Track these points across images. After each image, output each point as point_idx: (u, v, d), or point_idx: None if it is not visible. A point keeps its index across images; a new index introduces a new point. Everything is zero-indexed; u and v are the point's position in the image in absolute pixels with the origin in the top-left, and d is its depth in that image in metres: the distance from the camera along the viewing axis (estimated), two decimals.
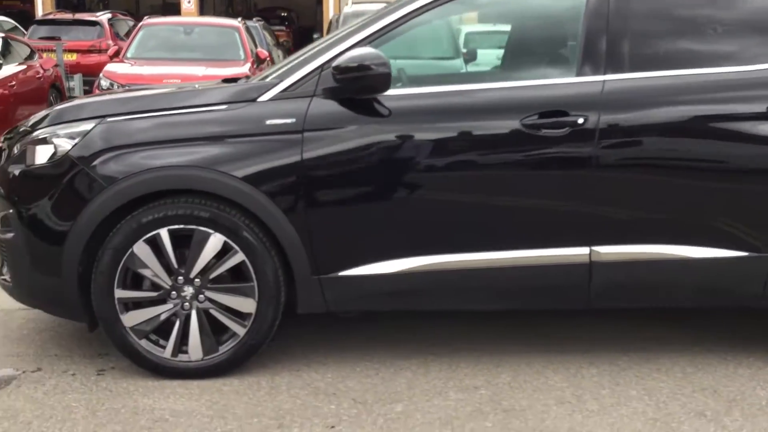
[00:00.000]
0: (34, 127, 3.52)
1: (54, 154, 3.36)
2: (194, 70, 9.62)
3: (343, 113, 3.29)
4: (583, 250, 3.34)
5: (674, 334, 3.82)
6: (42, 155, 3.40)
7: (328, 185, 3.31)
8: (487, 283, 3.38)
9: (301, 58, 3.49)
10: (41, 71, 10.96)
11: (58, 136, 3.38)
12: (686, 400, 3.19)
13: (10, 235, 3.43)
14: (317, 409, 3.14)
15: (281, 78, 3.40)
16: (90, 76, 13.23)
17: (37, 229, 3.37)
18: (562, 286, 3.39)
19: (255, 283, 3.33)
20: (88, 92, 12.31)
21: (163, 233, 3.29)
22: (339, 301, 3.44)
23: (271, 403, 3.19)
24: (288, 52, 14.01)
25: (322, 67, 3.34)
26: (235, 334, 3.39)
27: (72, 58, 14.57)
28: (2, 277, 3.65)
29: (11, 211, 3.42)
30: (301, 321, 3.61)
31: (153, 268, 3.31)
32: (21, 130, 3.65)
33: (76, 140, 3.33)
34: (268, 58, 11.34)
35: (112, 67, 10.18)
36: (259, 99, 3.34)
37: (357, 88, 3.24)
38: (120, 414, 3.11)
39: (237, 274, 3.36)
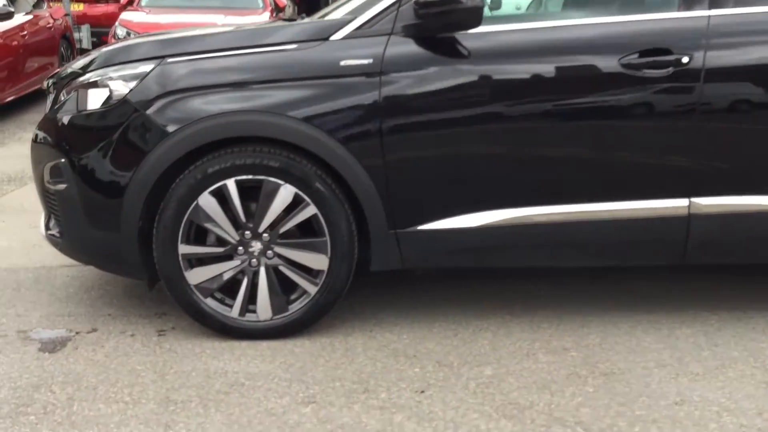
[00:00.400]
0: (85, 69, 3.25)
1: (109, 98, 3.11)
2: (212, 18, 9.26)
3: (425, 53, 3.03)
4: (682, 202, 3.09)
5: (765, 291, 3.60)
6: (95, 100, 3.14)
7: (409, 131, 3.05)
8: (579, 237, 3.14)
9: None
10: (51, 21, 10.57)
11: (112, 78, 3.11)
12: None
13: (61, 186, 3.18)
14: (401, 373, 2.93)
15: (355, 14, 3.12)
16: (97, 27, 12.85)
17: (92, 181, 3.12)
18: (657, 240, 3.15)
19: (327, 238, 3.10)
20: (96, 44, 11.94)
21: (230, 184, 3.04)
22: (416, 258, 3.21)
23: (350, 366, 2.98)
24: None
25: (400, 1, 3.05)
26: (305, 292, 3.17)
27: (79, 8, 14.12)
28: (49, 231, 3.41)
29: (63, 160, 3.16)
30: (366, 279, 3.38)
31: (219, 222, 3.07)
32: (69, 72, 3.38)
33: (133, 83, 3.07)
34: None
35: (128, 16, 9.84)
36: (332, 38, 3.07)
37: (443, 24, 2.97)
38: (191, 377, 2.89)
39: (307, 228, 3.13)
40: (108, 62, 3.21)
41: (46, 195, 3.34)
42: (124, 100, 3.06)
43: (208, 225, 3.09)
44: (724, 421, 2.59)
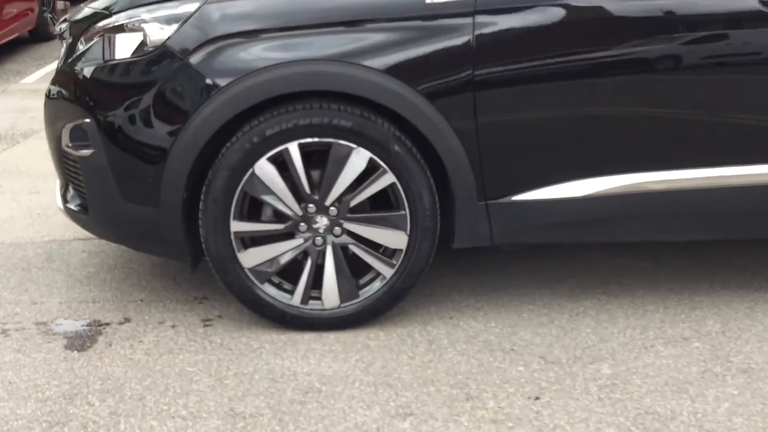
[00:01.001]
0: (110, 9, 2.69)
1: (142, 44, 2.57)
2: None
3: None
4: None
5: None
6: (125, 47, 2.61)
7: (507, 83, 2.54)
8: (701, 207, 2.67)
9: None
10: None
11: (146, 21, 2.57)
12: None
13: (86, 152, 2.65)
14: (503, 373, 2.47)
15: None
16: None
17: (126, 145, 2.60)
18: None
19: (407, 211, 2.61)
20: None
21: (293, 149, 2.54)
22: (508, 233, 2.73)
23: (440, 364, 2.51)
24: None
25: None
26: (379, 275, 2.69)
27: None
28: (68, 204, 2.89)
29: (88, 120, 2.63)
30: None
31: (279, 194, 2.57)
32: (89, 14, 2.82)
33: (173, 26, 2.53)
34: None
35: None
36: None
37: None
38: (255, 382, 2.42)
39: (379, 201, 2.64)
40: (135, 1, 2.65)
41: (64, 161, 2.82)
42: (162, 48, 2.53)
43: (265, 197, 2.58)
44: None
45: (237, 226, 2.60)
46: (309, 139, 2.54)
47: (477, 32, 2.50)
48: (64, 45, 2.88)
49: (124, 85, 2.59)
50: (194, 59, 2.50)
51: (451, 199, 2.65)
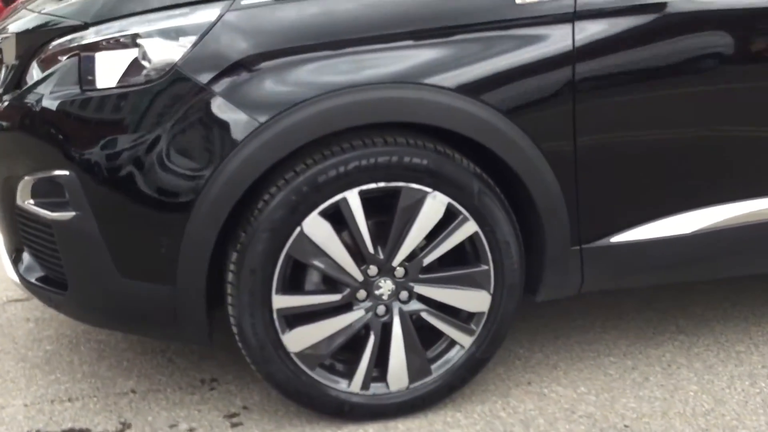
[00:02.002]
0: (83, 18, 1.97)
1: (137, 66, 1.89)
2: None
3: None
4: None
5: None
6: (111, 70, 1.91)
7: (613, 101, 2.04)
8: None
9: None
10: None
11: (145, 35, 1.89)
12: None
13: (64, 214, 1.95)
14: None
15: None
16: None
17: (126, 206, 1.92)
18: None
19: (491, 266, 2.08)
20: None
21: (352, 198, 1.94)
22: (601, 280, 2.25)
23: None
24: None
25: None
26: (454, 345, 2.14)
27: None
28: (25, 276, 2.17)
29: (64, 173, 1.93)
30: None
31: (335, 257, 1.97)
32: (42, 23, 2.08)
33: (188, 42, 1.86)
34: None
35: None
36: None
37: None
38: None
39: (455, 255, 2.10)
40: (122, 7, 1.95)
41: (20, 221, 2.10)
42: (172, 72, 1.86)
43: (316, 262, 1.98)
44: None
45: (281, 301, 1.98)
46: (373, 185, 1.95)
47: (578, 40, 1.98)
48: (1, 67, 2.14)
49: (119, 124, 1.89)
50: (220, 87, 1.85)
51: (540, 247, 2.13)
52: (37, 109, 1.97)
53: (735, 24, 2.09)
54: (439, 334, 2.14)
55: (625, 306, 2.72)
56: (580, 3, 1.98)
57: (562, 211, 2.09)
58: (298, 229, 1.93)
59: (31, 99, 1.99)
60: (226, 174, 1.86)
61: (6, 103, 2.06)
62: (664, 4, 2.02)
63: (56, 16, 2.03)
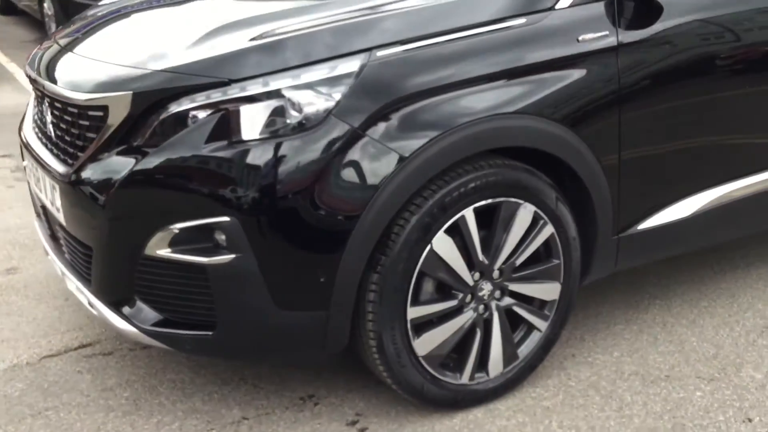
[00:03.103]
0: (218, 75, 2.09)
1: (283, 116, 2.07)
2: None
3: (658, 12, 2.48)
4: None
5: None
6: (258, 121, 2.07)
7: (647, 116, 2.52)
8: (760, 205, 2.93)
9: None
10: None
11: (293, 87, 2.07)
12: None
13: (222, 258, 2.07)
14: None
15: None
16: None
17: (288, 243, 2.09)
18: None
19: (561, 260, 2.49)
20: None
21: (468, 215, 2.26)
22: (630, 260, 2.76)
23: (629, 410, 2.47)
24: None
25: None
26: (533, 330, 2.53)
27: None
28: (142, 325, 2.24)
29: (225, 219, 2.05)
30: None
31: (456, 267, 2.29)
32: (162, 81, 2.16)
33: (336, 91, 2.07)
34: None
35: None
36: (558, 6, 2.37)
37: None
38: None
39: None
40: (265, 64, 2.11)
41: (146, 270, 2.18)
42: (326, 119, 2.06)
43: (440, 274, 2.27)
44: None
45: (413, 312, 2.26)
46: (483, 202, 2.28)
47: (621, 64, 2.43)
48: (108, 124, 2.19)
49: (278, 170, 2.04)
50: (372, 129, 2.08)
51: (592, 239, 2.57)
52: (187, 163, 2.07)
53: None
54: (518, 323, 2.51)
55: (602, 286, 3.21)
56: (620, 34, 2.43)
57: (609, 209, 2.54)
58: (428, 247, 2.21)
59: (174, 154, 2.08)
60: (377, 206, 2.10)
61: (135, 161, 2.12)
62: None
63: (184, 74, 2.13)
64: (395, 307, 2.22)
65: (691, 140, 2.67)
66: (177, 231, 2.10)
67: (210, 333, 2.18)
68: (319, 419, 2.43)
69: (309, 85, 2.08)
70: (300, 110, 2.07)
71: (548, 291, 2.50)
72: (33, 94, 2.82)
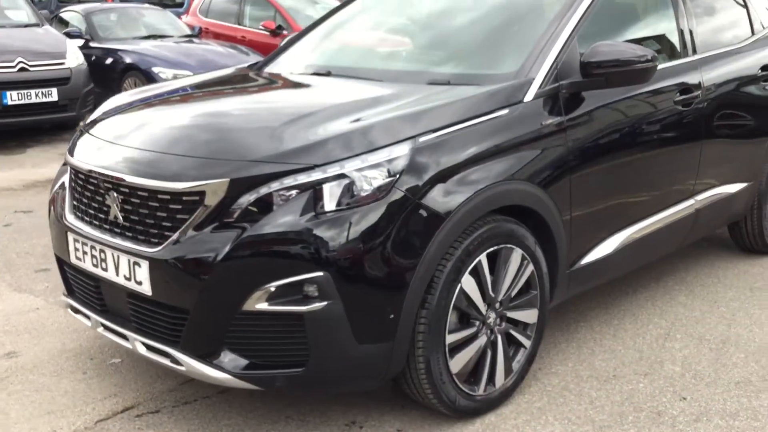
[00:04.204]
0: (302, 163, 2.67)
1: (352, 191, 2.67)
2: None
3: (584, 102, 3.35)
4: (690, 202, 4.06)
5: None
6: (341, 195, 2.66)
7: (586, 175, 3.35)
8: (654, 239, 3.85)
9: (532, 50, 3.31)
10: None
11: (361, 168, 2.68)
12: None
13: (319, 305, 2.61)
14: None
15: (525, 73, 3.23)
16: None
17: (368, 289, 2.67)
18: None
19: (538, 291, 3.23)
20: None
21: (483, 259, 2.96)
22: (575, 289, 3.55)
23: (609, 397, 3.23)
24: None
25: (557, 61, 3.30)
26: (521, 347, 3.24)
27: None
28: (231, 371, 2.70)
29: (319, 274, 2.60)
30: None
31: (476, 300, 2.96)
32: (256, 169, 2.68)
33: (395, 170, 2.71)
34: None
35: None
36: (525, 99, 3.16)
37: (617, 79, 3.31)
38: None
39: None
40: (339, 153, 2.71)
41: (242, 323, 2.66)
42: (390, 190, 2.68)
43: (465, 307, 2.93)
44: None
45: (449, 338, 2.89)
46: (491, 249, 2.98)
47: (568, 141, 3.25)
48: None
49: (358, 232, 2.61)
50: (422, 197, 2.73)
51: (554, 274, 3.33)
52: (284, 233, 2.61)
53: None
54: (511, 343, 3.20)
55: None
56: (567, 118, 3.25)
57: (564, 249, 3.32)
58: (459, 286, 2.87)
59: (272, 227, 2.61)
60: (429, 256, 2.73)
61: (237, 235, 2.62)
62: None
63: (276, 162, 2.67)
64: (438, 336, 2.84)
65: (611, 194, 3.53)
66: (274, 288, 2.61)
67: (301, 369, 2.68)
68: None
69: (374, 166, 2.70)
70: (370, 184, 2.67)
71: (530, 316, 3.22)
72: (72, 184, 3.18)
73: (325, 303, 2.62)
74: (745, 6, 4.71)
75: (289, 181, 2.65)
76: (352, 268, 2.64)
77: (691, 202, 4.06)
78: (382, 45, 4.05)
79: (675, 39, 4.04)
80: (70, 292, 3.31)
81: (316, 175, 2.65)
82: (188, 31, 11.31)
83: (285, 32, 11.59)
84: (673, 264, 4.72)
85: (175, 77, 9.02)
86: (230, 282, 2.65)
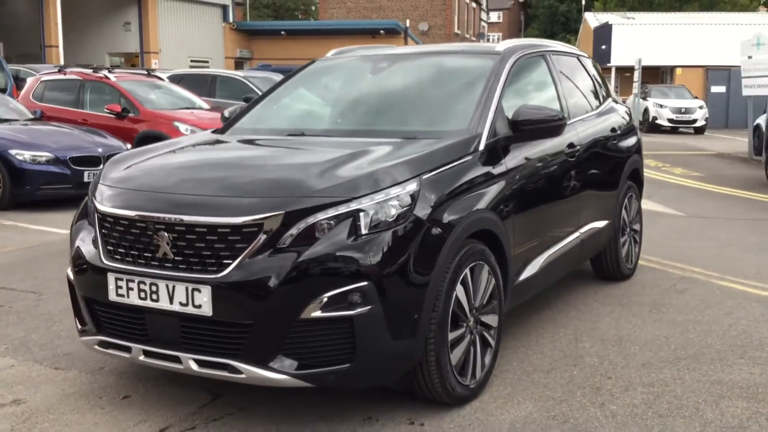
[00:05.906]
0: (339, 197, 3.34)
1: (388, 216, 3.37)
2: None
3: (512, 151, 4.27)
4: (578, 234, 5.11)
5: None
6: (372, 221, 3.35)
7: (520, 205, 4.23)
8: (562, 260, 4.84)
9: (475, 109, 4.18)
10: None
11: (396, 200, 3.42)
12: None
13: (364, 309, 3.24)
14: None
15: (476, 129, 4.08)
16: None
17: (400, 294, 3.35)
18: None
19: (498, 300, 4.04)
20: None
21: (468, 272, 3.72)
22: (515, 301, 4.39)
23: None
24: None
25: (494, 119, 4.20)
26: (488, 346, 4.00)
27: None
28: (284, 372, 3.26)
29: (364, 284, 3.24)
30: None
31: (465, 306, 3.71)
32: (304, 202, 3.31)
33: (410, 198, 3.44)
34: None
35: None
36: (480, 148, 4.02)
37: (538, 133, 4.26)
38: None
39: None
40: (371, 186, 3.40)
41: (299, 330, 3.23)
42: (409, 216, 3.40)
43: (458, 311, 3.67)
44: None
45: (450, 336, 3.61)
46: (471, 264, 3.75)
47: (508, 181, 4.14)
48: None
49: (389, 248, 3.29)
50: (432, 219, 3.47)
51: (506, 287, 4.16)
52: (333, 253, 3.24)
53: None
54: (482, 343, 3.96)
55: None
56: (507, 166, 4.15)
57: (510, 266, 4.17)
58: (455, 294, 3.61)
59: (322, 249, 3.24)
60: (439, 266, 3.47)
61: (295, 257, 3.22)
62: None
63: (321, 197, 3.31)
64: (444, 334, 3.55)
65: (535, 223, 4.46)
66: (326, 299, 3.22)
67: (347, 365, 3.28)
68: (387, 427, 3.56)
69: (395, 198, 3.41)
70: (392, 212, 3.38)
71: (493, 320, 4.01)
72: (105, 231, 3.58)
73: (368, 307, 3.26)
74: (593, 80, 5.96)
75: (331, 211, 3.29)
76: (388, 277, 3.31)
77: (578, 234, 5.10)
78: (338, 109, 4.80)
79: (556, 105, 5.11)
80: (100, 329, 3.67)
81: (353, 206, 3.32)
82: (30, 115, 11.30)
83: (131, 114, 11.90)
84: (558, 292, 5.72)
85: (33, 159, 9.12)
86: (290, 296, 3.22)
